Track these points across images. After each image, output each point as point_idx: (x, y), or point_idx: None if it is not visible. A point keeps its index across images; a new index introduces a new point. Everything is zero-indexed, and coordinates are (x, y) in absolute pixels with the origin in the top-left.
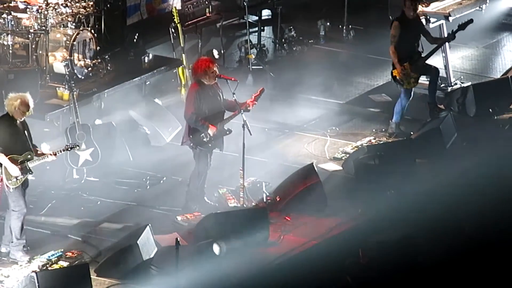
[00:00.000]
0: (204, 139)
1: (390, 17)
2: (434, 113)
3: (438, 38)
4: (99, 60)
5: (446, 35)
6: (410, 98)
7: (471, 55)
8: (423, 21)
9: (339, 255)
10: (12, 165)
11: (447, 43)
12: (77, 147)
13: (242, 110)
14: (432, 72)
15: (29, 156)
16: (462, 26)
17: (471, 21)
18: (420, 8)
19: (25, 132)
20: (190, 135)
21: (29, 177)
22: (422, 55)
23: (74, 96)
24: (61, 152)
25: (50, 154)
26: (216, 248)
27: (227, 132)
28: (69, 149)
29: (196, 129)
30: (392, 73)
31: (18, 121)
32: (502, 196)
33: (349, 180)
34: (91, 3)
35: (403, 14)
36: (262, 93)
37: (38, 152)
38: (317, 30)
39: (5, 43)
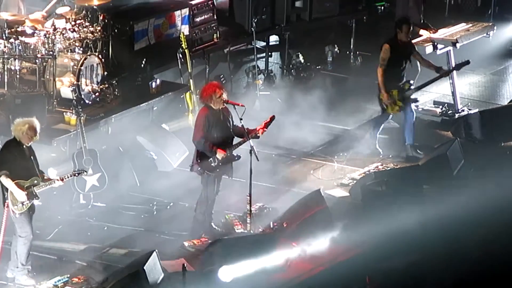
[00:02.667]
0: (212, 164)
1: None
2: (413, 154)
3: (432, 66)
4: (107, 85)
5: (446, 68)
6: (414, 114)
7: (479, 81)
8: (430, 47)
9: (346, 282)
10: (18, 190)
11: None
12: (85, 173)
13: (251, 137)
14: (410, 110)
15: (35, 182)
16: (457, 67)
17: (467, 62)
18: (428, 34)
19: (32, 157)
20: (198, 160)
21: (36, 202)
22: (411, 87)
23: (81, 121)
24: (68, 177)
25: (57, 180)
26: (222, 274)
27: (236, 158)
28: (76, 174)
29: (204, 154)
30: (379, 96)
31: (25, 146)
32: (509, 224)
33: (356, 206)
34: (99, 28)
35: (395, 37)
36: (272, 120)
37: (45, 178)
38: (325, 56)
39: (13, 68)
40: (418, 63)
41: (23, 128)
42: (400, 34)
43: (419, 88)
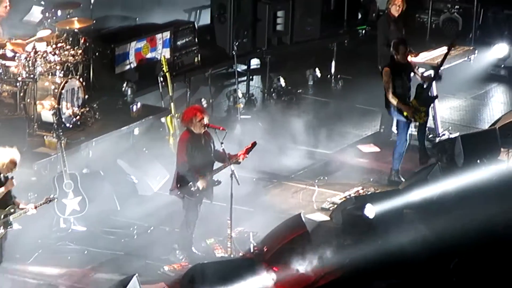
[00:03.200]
0: (192, 189)
1: (379, 67)
2: (395, 179)
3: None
4: (87, 109)
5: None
6: (407, 144)
7: (459, 105)
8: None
9: None
10: None
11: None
12: (56, 199)
13: (231, 162)
14: (404, 139)
15: (12, 210)
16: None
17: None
18: (409, 58)
19: None
20: (178, 184)
21: (16, 226)
22: (424, 87)
23: (62, 144)
24: (41, 205)
25: (31, 208)
26: None
27: (216, 183)
28: (48, 202)
29: (184, 179)
30: (403, 113)
31: (2, 175)
32: (488, 244)
33: (337, 230)
34: (80, 51)
35: (392, 59)
36: (254, 146)
37: (20, 206)
38: (306, 79)
39: None
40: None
41: (4, 161)
42: (398, 56)
43: (428, 87)
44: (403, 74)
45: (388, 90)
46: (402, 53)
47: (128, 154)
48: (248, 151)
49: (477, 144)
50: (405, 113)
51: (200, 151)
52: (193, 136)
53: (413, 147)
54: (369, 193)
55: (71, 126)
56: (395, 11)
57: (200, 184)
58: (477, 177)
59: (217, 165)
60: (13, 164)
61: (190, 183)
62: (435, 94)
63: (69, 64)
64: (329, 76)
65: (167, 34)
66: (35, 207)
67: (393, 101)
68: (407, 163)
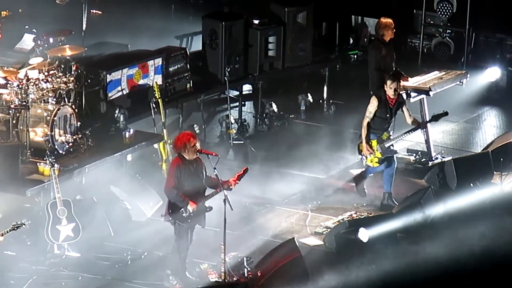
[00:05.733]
0: (184, 214)
1: (371, 92)
2: (388, 202)
3: (416, 122)
4: (80, 136)
5: (421, 121)
6: (395, 165)
7: (452, 129)
8: (404, 95)
9: None
10: None
11: (427, 117)
12: (23, 226)
13: (224, 188)
14: (391, 160)
15: None
16: (436, 117)
17: (446, 113)
18: (401, 82)
19: None
20: (170, 210)
21: (9, 253)
22: (390, 137)
23: (55, 171)
24: (7, 232)
25: None
26: None
27: (208, 210)
28: (15, 228)
29: (175, 205)
30: (359, 146)
31: None
32: (483, 271)
33: (330, 254)
34: (72, 78)
35: (384, 92)
36: (245, 173)
37: None
38: (298, 104)
39: None
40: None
41: None
42: (388, 90)
43: (396, 138)
44: (389, 108)
45: (366, 118)
46: (389, 87)
47: (121, 180)
48: (239, 177)
49: (470, 167)
50: (361, 147)
51: (191, 177)
52: (184, 162)
53: (404, 171)
54: (363, 217)
55: (64, 153)
56: (389, 36)
57: (190, 207)
58: (470, 200)
59: (208, 191)
60: None
61: (182, 209)
62: (427, 120)
63: (61, 91)
64: (321, 101)
65: (159, 61)
66: (1, 235)
67: (363, 129)
68: (400, 187)
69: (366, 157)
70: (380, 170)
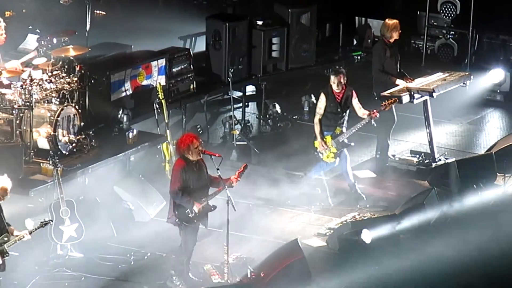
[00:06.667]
0: (190, 215)
1: (374, 93)
2: (356, 190)
3: (364, 113)
4: (84, 136)
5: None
6: (348, 157)
7: (455, 131)
8: (407, 97)
9: None
10: None
11: (430, 119)
12: (51, 223)
13: (226, 186)
14: (344, 155)
15: (5, 239)
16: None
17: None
18: (404, 84)
19: (1, 214)
20: (175, 211)
21: (12, 253)
22: (343, 131)
23: (58, 171)
24: (35, 230)
25: (26, 234)
26: None
27: (212, 209)
28: (43, 225)
29: (181, 205)
30: (314, 143)
31: None
32: (485, 273)
33: (333, 256)
34: (75, 79)
35: (330, 87)
36: (245, 169)
37: (14, 233)
38: (301, 105)
39: None
40: (394, 113)
41: None
42: (332, 85)
43: (349, 132)
44: (337, 102)
45: (316, 115)
46: (333, 82)
47: (124, 181)
48: (240, 174)
49: (474, 169)
50: (315, 144)
51: (195, 178)
52: (187, 163)
53: (408, 172)
54: (366, 218)
55: (67, 153)
56: (396, 37)
57: (196, 207)
58: (473, 202)
59: (211, 190)
60: (3, 191)
61: (187, 209)
62: (431, 120)
63: (65, 92)
64: None
65: (162, 61)
66: (30, 233)
67: (315, 126)
68: (403, 188)
69: (322, 154)
70: (333, 167)
